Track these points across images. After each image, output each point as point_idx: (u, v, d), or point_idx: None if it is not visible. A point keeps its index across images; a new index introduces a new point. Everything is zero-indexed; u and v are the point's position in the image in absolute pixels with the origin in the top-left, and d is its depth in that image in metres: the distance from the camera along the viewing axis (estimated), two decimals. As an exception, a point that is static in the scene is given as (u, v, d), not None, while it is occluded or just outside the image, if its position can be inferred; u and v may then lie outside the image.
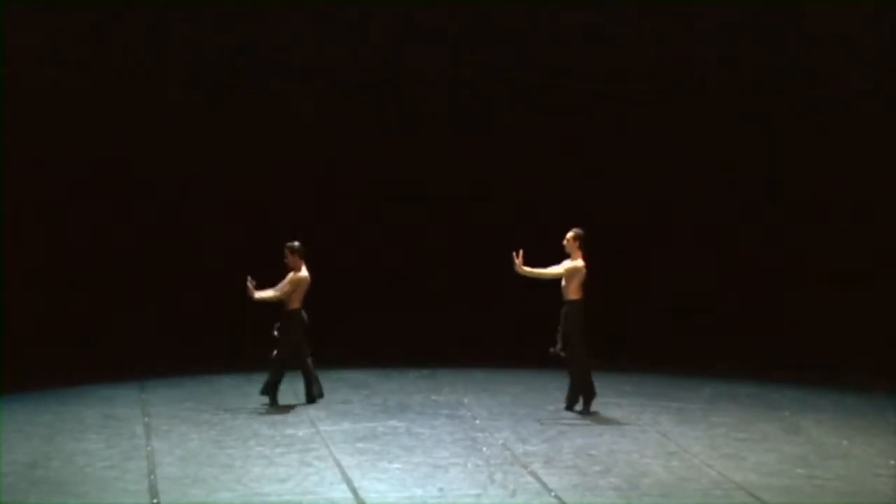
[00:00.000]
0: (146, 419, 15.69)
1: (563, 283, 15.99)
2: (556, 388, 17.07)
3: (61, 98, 20.49)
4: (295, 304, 16.23)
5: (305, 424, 15.47)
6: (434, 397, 17.17)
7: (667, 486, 13.05)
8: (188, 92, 21.14)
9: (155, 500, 12.39)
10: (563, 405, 16.28)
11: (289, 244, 16.31)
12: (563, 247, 16.03)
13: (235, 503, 12.39)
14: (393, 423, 15.68)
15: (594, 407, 16.15)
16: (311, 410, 16.15)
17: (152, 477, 13.12)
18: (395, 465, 13.74)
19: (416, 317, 20.78)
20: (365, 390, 17.52)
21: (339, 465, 13.66)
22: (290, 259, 16.27)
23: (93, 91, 20.66)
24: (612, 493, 12.78)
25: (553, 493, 12.73)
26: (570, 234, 16.05)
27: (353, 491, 12.76)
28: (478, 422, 15.77)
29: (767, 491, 12.86)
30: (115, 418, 15.77)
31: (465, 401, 16.93)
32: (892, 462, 14.09)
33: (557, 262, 16.02)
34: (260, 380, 17.68)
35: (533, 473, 13.42)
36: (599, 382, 16.43)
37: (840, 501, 12.66)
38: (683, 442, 14.82)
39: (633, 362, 19.26)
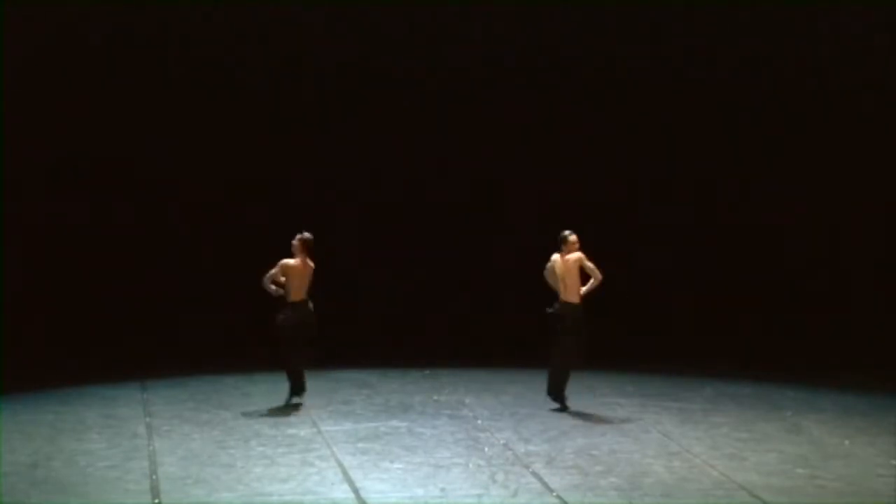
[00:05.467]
0: (148, 419, 15.69)
1: (568, 282, 16.02)
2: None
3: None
4: (294, 296, 16.22)
5: (307, 424, 15.47)
6: (436, 397, 17.16)
7: (668, 486, 13.05)
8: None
9: (157, 500, 12.39)
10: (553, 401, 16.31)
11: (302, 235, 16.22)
12: (568, 247, 16.05)
13: (237, 503, 12.40)
14: (394, 423, 15.67)
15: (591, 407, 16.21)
16: (313, 410, 16.12)
17: (154, 477, 13.12)
18: (397, 465, 13.75)
19: (417, 316, 20.79)
20: (366, 390, 17.51)
21: (340, 465, 13.66)
22: (295, 248, 16.18)
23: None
24: (614, 494, 12.78)
25: (555, 493, 12.73)
26: (575, 237, 16.10)
27: (355, 491, 12.77)
28: (479, 422, 15.76)
29: (769, 491, 12.86)
30: (116, 418, 15.76)
31: (467, 401, 16.93)
32: (894, 462, 14.08)
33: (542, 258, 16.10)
34: (261, 380, 17.71)
35: (535, 473, 13.42)
36: (601, 382, 16.45)
37: (841, 501, 12.67)
38: (685, 442, 14.82)
39: (635, 362, 19.26)
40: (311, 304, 16.24)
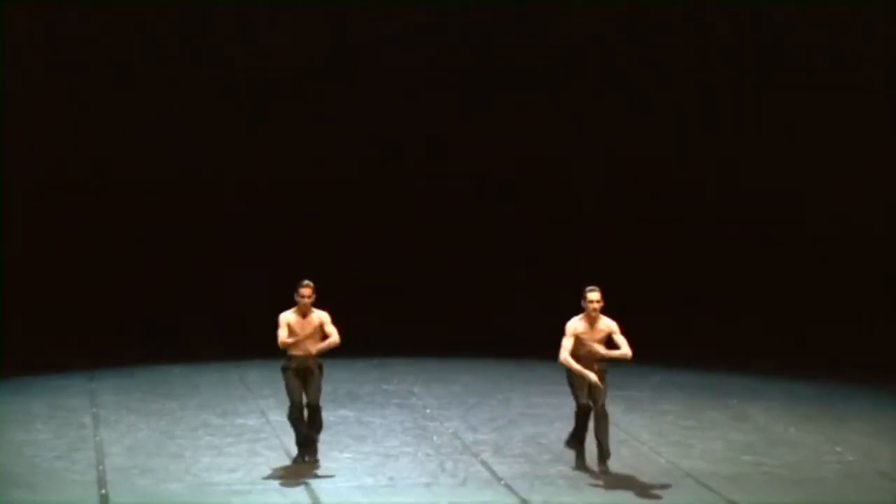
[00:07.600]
0: (94, 409, 15.63)
1: (600, 343, 13.27)
2: (505, 377, 17.13)
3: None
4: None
5: (255, 414, 15.44)
6: (384, 386, 17.17)
7: (616, 473, 13.11)
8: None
9: (103, 491, 12.34)
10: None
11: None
12: (595, 306, 13.17)
13: (185, 493, 12.36)
14: (343, 412, 15.67)
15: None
16: (261, 400, 16.08)
17: (101, 467, 13.06)
18: (346, 455, 13.75)
19: (366, 305, 20.76)
20: (315, 380, 17.47)
21: (288, 455, 13.64)
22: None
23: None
24: (562, 482, 12.82)
25: (503, 482, 12.77)
26: (597, 293, 13.21)
27: (304, 481, 12.76)
28: (428, 411, 15.79)
29: (715, 478, 12.94)
30: (63, 409, 15.68)
31: (416, 390, 16.95)
32: (839, 449, 14.21)
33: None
34: (209, 370, 17.67)
35: (483, 462, 13.46)
36: (551, 370, 16.43)
37: (787, 488, 12.76)
38: (632, 430, 14.88)
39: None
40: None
